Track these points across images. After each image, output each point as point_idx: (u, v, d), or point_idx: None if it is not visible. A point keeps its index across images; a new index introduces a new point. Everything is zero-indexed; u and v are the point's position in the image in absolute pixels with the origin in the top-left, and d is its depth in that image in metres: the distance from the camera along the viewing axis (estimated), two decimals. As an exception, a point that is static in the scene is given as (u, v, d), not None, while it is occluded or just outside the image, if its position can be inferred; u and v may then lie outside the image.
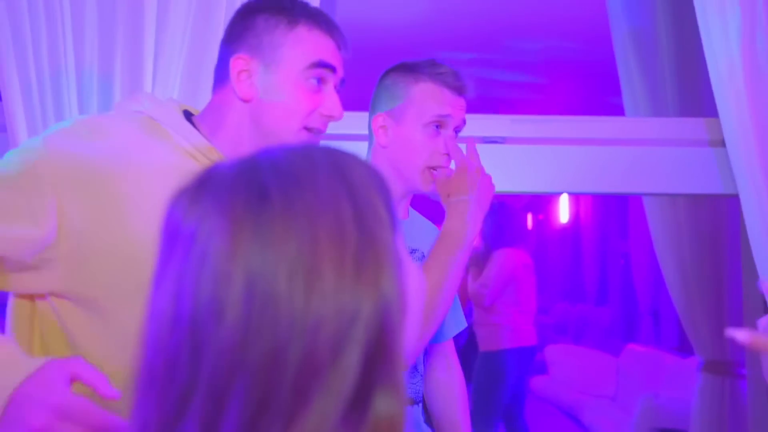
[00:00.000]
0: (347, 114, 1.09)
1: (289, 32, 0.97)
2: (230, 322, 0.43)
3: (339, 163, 0.49)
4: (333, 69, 0.99)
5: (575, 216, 6.95)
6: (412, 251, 1.30)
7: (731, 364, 2.14)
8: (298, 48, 0.97)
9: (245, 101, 0.98)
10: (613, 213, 6.27)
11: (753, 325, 2.01)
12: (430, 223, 1.44)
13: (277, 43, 0.96)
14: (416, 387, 1.29)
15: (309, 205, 0.45)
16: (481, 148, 1.57)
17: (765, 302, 1.67)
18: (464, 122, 1.26)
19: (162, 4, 1.43)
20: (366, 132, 1.32)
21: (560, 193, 6.26)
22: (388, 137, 1.25)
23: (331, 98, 0.99)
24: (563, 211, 7.01)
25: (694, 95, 1.90)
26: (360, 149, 1.40)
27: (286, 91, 0.97)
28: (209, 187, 0.47)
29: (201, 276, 0.44)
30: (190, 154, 0.96)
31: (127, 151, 0.91)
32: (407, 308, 0.49)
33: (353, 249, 0.45)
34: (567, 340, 6.04)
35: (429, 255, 1.18)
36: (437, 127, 1.22)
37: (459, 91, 1.23)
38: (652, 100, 1.96)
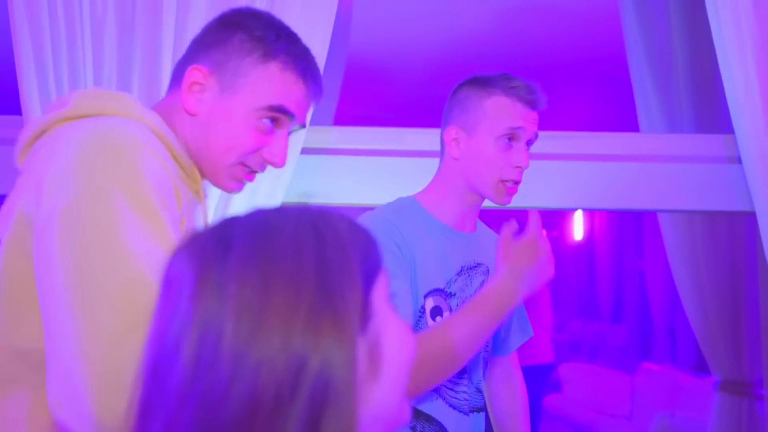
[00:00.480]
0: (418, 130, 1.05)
1: (259, 65, 0.90)
2: (183, 359, 0.46)
3: (314, 218, 0.51)
4: (292, 116, 0.92)
5: (589, 233, 6.91)
6: (478, 265, 1.32)
7: (749, 384, 2.11)
8: (263, 85, 0.90)
9: (189, 114, 0.91)
10: (628, 230, 6.23)
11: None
12: (496, 237, 1.43)
13: (242, 71, 0.90)
14: (469, 397, 1.28)
15: (268, 255, 0.48)
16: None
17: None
18: (536, 135, 1.26)
19: (180, 21, 1.46)
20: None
21: (575, 210, 6.24)
22: (461, 150, 1.26)
23: (278, 144, 0.93)
24: (577, 228, 6.97)
25: (709, 112, 1.90)
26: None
27: (233, 124, 0.90)
28: (191, 242, 0.52)
29: (172, 319, 0.48)
30: (180, 171, 0.91)
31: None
32: (382, 363, 0.50)
33: (308, 301, 0.46)
34: (581, 358, 5.97)
35: (462, 307, 1.14)
36: (509, 139, 1.23)
37: (532, 104, 1.24)
38: (668, 117, 1.96)
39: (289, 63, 0.91)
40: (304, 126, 0.97)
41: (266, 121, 0.91)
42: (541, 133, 1.75)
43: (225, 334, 0.45)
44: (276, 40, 0.91)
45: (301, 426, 0.44)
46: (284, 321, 0.45)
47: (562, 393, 5.20)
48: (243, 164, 0.92)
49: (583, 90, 4.07)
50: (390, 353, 0.51)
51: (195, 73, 0.90)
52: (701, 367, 4.04)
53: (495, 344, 1.41)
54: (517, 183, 1.26)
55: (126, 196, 0.74)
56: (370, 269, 0.51)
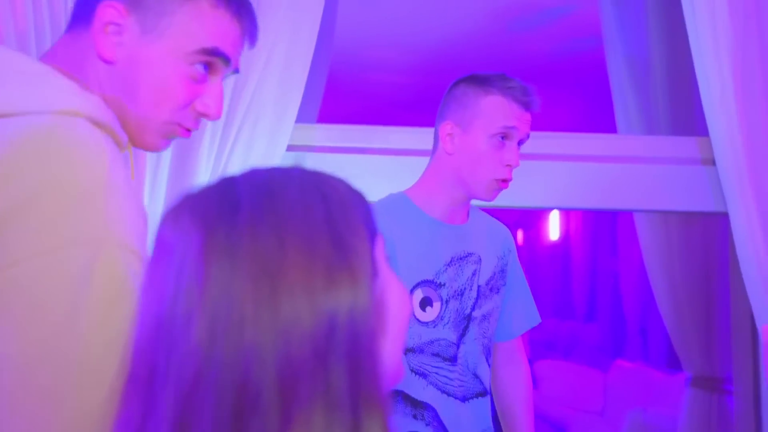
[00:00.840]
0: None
1: (186, 1, 0.76)
2: (197, 327, 0.44)
3: (315, 178, 0.50)
4: (228, 60, 0.79)
5: (565, 233, 6.97)
6: (468, 255, 1.33)
7: (719, 381, 2.14)
8: (193, 25, 0.75)
9: (105, 61, 0.75)
10: (603, 231, 6.29)
11: (740, 342, 2.01)
12: (495, 223, 1.45)
13: (166, 9, 0.75)
14: (464, 383, 1.29)
15: (278, 213, 0.46)
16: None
17: (753, 319, 1.68)
18: (528, 136, 1.29)
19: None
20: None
21: (554, 209, 6.28)
22: (454, 145, 1.28)
23: (213, 93, 0.79)
24: (553, 228, 7.02)
25: (686, 114, 1.92)
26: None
27: (162, 72, 0.75)
28: (190, 203, 0.49)
29: (178, 282, 0.45)
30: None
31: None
32: (387, 320, 0.50)
33: (324, 255, 0.45)
34: (556, 355, 6.02)
35: None
36: (503, 138, 1.25)
37: (527, 106, 1.26)
38: (645, 119, 1.98)
39: None
40: (237, 71, 0.84)
41: (199, 67, 0.77)
42: (521, 133, 1.77)
43: (243, 298, 0.44)
44: None
45: (346, 380, 0.44)
46: (305, 279, 0.44)
47: (538, 389, 5.24)
48: (177, 123, 0.79)
49: (563, 91, 4.10)
50: (392, 310, 0.51)
51: (109, 11, 0.74)
52: (673, 364, 4.09)
53: (498, 329, 1.42)
54: (507, 181, 1.28)
55: (97, 266, 0.59)
56: (371, 228, 0.51)
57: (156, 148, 0.81)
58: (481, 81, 1.27)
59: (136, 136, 0.79)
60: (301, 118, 1.61)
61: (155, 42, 0.75)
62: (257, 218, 0.46)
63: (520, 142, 1.28)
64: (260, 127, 1.54)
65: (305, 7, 1.53)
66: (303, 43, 1.54)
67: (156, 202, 1.50)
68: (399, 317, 0.53)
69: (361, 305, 0.46)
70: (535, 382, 5.26)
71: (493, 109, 1.25)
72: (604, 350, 5.97)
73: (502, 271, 1.40)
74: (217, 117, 0.80)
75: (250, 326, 0.43)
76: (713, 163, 1.66)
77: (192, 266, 0.45)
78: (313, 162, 1.69)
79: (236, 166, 1.53)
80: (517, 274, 1.45)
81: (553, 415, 4.83)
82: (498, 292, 1.38)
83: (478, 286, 1.33)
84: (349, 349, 0.44)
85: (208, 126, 1.50)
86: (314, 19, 1.54)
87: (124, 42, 0.74)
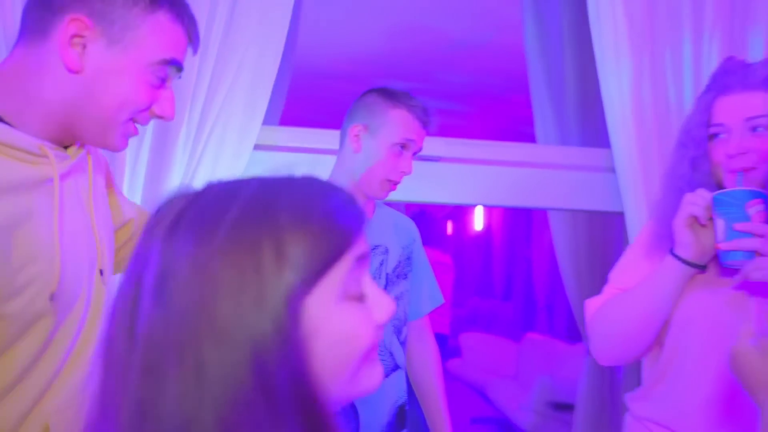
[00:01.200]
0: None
1: (147, 15, 0.75)
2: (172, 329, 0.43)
3: (287, 215, 0.47)
4: (181, 67, 0.80)
5: (487, 225, 7.12)
6: (375, 247, 1.34)
7: (612, 350, 2.24)
8: (155, 38, 0.75)
9: (71, 71, 0.73)
10: (519, 223, 6.46)
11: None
12: (399, 216, 1.47)
13: (131, 23, 0.74)
14: (385, 362, 1.32)
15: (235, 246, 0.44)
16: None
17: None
18: (421, 149, 1.32)
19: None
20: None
21: (481, 205, 6.39)
22: (360, 146, 1.29)
23: (168, 97, 0.80)
24: (478, 220, 7.18)
25: (593, 129, 2.00)
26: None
27: (127, 80, 0.75)
28: (183, 225, 0.46)
29: (158, 290, 0.44)
30: (16, 158, 0.72)
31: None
32: (321, 351, 0.45)
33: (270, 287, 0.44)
34: (478, 329, 6.17)
35: None
36: (402, 147, 1.28)
37: (425, 124, 1.30)
38: (560, 132, 2.05)
39: (174, 11, 0.78)
40: (181, 74, 0.83)
41: (157, 77, 0.78)
42: (453, 140, 1.81)
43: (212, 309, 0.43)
44: None
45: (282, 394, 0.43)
46: (249, 298, 0.44)
47: (462, 358, 5.36)
48: (133, 120, 0.79)
49: (489, 105, 4.19)
50: (331, 341, 0.46)
51: (76, 24, 0.72)
52: (575, 337, 4.26)
53: (409, 310, 1.45)
54: (397, 184, 1.31)
55: None
56: (314, 267, 0.46)
57: (116, 148, 0.80)
58: (390, 94, 1.30)
59: (98, 138, 0.78)
60: (266, 121, 1.61)
61: (121, 53, 0.74)
62: (229, 248, 0.44)
63: (414, 153, 1.32)
64: (230, 128, 1.52)
65: (273, 21, 1.52)
66: (271, 52, 1.53)
67: (134, 193, 1.47)
68: (341, 348, 0.46)
69: (273, 336, 0.43)
70: (459, 351, 5.37)
71: (399, 121, 1.28)
72: (518, 324, 6.14)
73: (408, 258, 1.43)
74: (172, 118, 0.82)
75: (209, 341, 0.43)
76: (613, 171, 1.74)
77: (178, 278, 0.44)
78: (277, 160, 1.68)
79: (208, 162, 1.52)
80: (421, 260, 1.48)
81: (475, 379, 4.96)
82: (405, 278, 1.41)
83: (386, 274, 1.36)
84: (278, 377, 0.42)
85: (183, 125, 1.48)
86: (281, 32, 1.54)
87: (90, 53, 0.73)
